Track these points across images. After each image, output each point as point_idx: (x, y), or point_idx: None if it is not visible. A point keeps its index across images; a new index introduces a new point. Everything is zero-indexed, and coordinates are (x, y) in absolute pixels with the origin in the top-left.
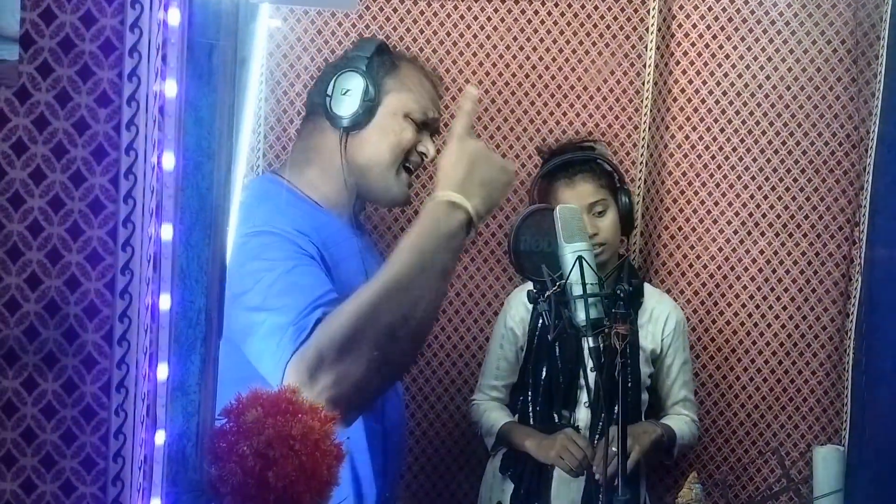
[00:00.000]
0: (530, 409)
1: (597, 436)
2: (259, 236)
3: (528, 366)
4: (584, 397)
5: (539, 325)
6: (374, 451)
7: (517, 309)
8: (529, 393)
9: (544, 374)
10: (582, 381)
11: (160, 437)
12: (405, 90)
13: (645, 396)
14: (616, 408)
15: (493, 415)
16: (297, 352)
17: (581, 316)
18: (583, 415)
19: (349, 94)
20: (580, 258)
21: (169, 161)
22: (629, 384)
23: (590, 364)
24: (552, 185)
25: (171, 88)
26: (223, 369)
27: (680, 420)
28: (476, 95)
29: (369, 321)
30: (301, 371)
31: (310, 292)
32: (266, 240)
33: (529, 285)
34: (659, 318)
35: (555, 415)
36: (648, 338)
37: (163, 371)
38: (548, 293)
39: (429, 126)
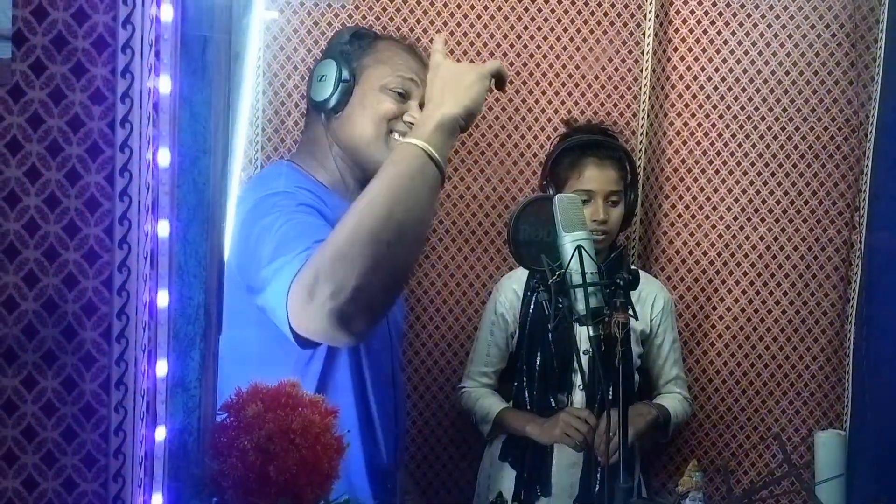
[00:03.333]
0: (526, 394)
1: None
2: (273, 196)
3: (521, 352)
4: (578, 380)
5: (531, 311)
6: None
7: (507, 296)
8: (524, 379)
9: (539, 359)
10: (576, 365)
11: (161, 433)
12: (380, 64)
13: (637, 377)
14: (614, 394)
15: (487, 401)
16: (295, 279)
17: (581, 305)
18: (578, 398)
19: (324, 80)
20: (579, 247)
21: (164, 157)
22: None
23: (583, 347)
24: (580, 158)
25: (164, 84)
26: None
27: (673, 398)
28: (442, 38)
29: (358, 233)
30: (300, 294)
31: (313, 233)
32: (279, 198)
33: (518, 272)
34: (647, 300)
35: (551, 399)
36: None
37: (162, 367)
38: (548, 282)
39: (413, 94)
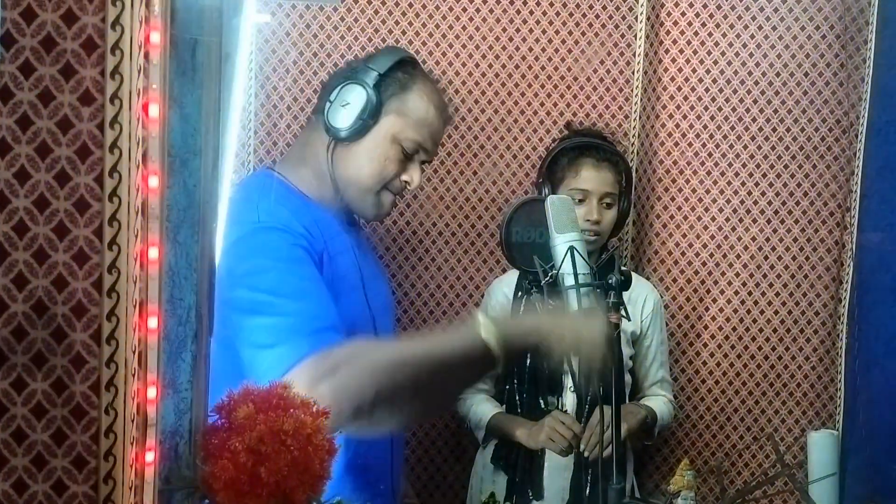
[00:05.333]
0: (517, 397)
1: (583, 419)
2: (266, 232)
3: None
4: (568, 382)
5: (521, 313)
6: (384, 454)
7: (497, 299)
8: (515, 381)
9: (528, 361)
10: (566, 366)
11: (151, 435)
12: (405, 116)
13: (627, 378)
14: (604, 394)
15: (481, 408)
16: (314, 356)
17: (574, 306)
18: (569, 399)
19: (347, 108)
20: (572, 248)
21: (154, 158)
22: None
23: None
24: (578, 159)
25: (154, 85)
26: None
27: (659, 401)
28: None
29: (392, 376)
30: (310, 375)
31: (317, 303)
32: (273, 236)
33: (508, 276)
34: (637, 300)
35: (541, 401)
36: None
37: (152, 368)
38: (541, 283)
39: (419, 156)
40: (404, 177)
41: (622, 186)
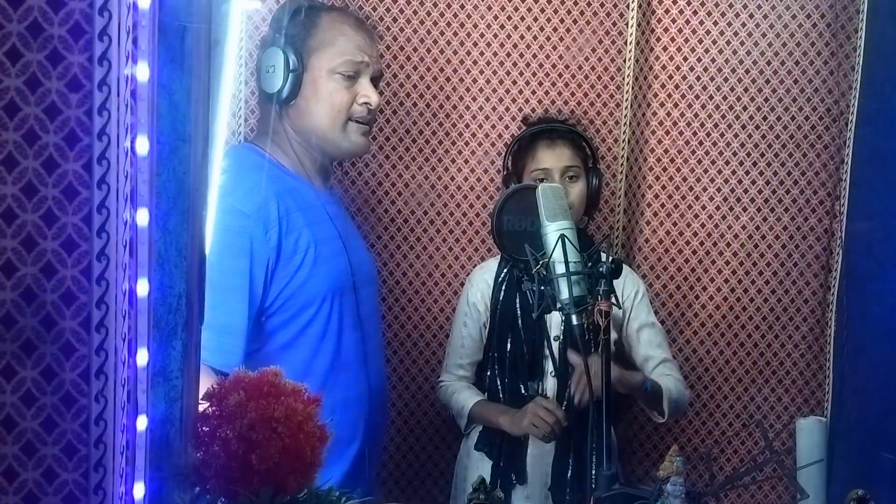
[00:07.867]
0: (498, 383)
1: (564, 403)
2: (234, 215)
3: (492, 341)
4: (549, 367)
5: (501, 300)
6: (360, 410)
7: (478, 286)
8: (496, 367)
9: (509, 347)
10: (546, 352)
11: (142, 423)
12: (326, 46)
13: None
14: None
15: (463, 395)
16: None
17: (565, 294)
18: (549, 384)
19: (273, 71)
20: (563, 237)
21: (143, 145)
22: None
23: (553, 334)
24: (532, 144)
25: (143, 72)
26: None
27: (667, 379)
28: None
29: None
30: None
31: (238, 312)
32: (234, 221)
33: (489, 263)
34: (617, 285)
35: (522, 387)
36: (620, 308)
37: (143, 357)
38: (532, 272)
39: (363, 73)
40: (360, 99)
41: (587, 163)
